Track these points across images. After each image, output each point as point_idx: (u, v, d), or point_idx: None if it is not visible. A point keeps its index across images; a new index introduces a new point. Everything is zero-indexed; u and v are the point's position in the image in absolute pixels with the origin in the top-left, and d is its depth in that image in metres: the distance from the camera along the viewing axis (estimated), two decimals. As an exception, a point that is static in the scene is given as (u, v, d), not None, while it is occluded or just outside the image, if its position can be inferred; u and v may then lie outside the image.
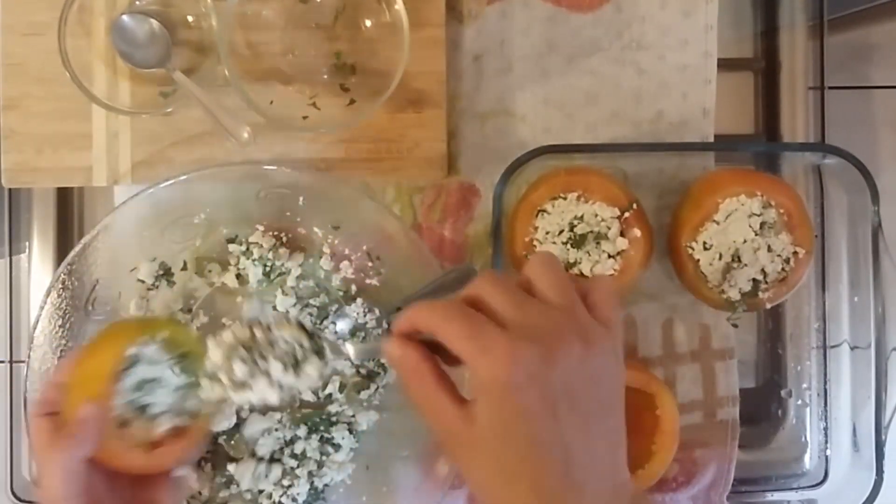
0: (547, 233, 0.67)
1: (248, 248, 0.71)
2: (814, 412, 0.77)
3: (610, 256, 0.67)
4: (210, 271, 0.71)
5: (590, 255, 0.67)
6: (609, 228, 0.67)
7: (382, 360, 0.71)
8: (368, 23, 0.71)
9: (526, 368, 0.43)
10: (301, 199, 0.71)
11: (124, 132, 0.72)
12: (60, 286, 0.68)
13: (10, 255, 0.75)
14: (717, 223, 0.67)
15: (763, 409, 0.77)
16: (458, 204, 0.74)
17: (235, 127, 0.68)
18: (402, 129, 0.72)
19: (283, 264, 0.71)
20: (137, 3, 0.71)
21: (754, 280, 0.67)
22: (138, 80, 0.71)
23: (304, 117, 0.70)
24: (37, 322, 0.68)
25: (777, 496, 0.76)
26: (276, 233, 0.71)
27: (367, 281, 0.72)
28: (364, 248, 0.71)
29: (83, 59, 0.70)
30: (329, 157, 0.72)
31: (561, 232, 0.67)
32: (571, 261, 0.67)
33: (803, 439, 0.77)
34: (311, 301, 0.71)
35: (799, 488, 0.76)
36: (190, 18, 0.71)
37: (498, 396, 0.43)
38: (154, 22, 0.69)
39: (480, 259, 0.74)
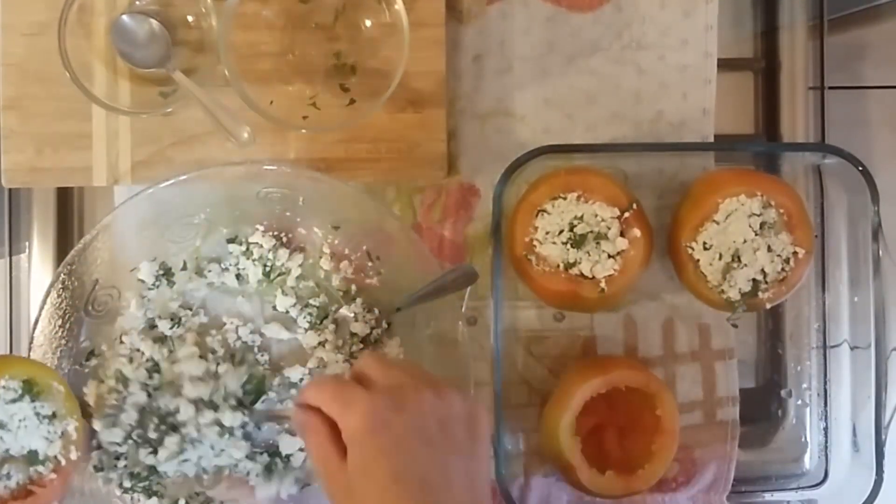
0: (547, 233, 0.67)
1: (248, 248, 0.71)
2: (814, 412, 0.77)
3: (610, 256, 0.67)
4: (210, 271, 0.71)
5: (590, 255, 0.67)
6: (609, 228, 0.67)
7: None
8: (368, 23, 0.71)
9: (381, 415, 0.51)
10: (301, 199, 0.71)
11: (124, 132, 0.72)
12: (60, 286, 0.68)
13: (10, 255, 0.75)
14: (717, 223, 0.67)
15: (763, 409, 0.77)
16: (457, 204, 0.74)
17: (235, 127, 0.68)
18: (402, 129, 0.72)
19: (283, 264, 0.71)
20: (137, 3, 0.71)
21: (754, 280, 0.67)
22: (138, 80, 0.71)
23: (304, 117, 0.70)
24: (37, 322, 0.68)
25: (777, 496, 0.76)
26: (276, 233, 0.71)
27: (367, 281, 0.72)
28: (364, 248, 0.71)
29: (83, 59, 0.70)
30: (329, 157, 0.72)
31: (561, 232, 0.67)
32: (571, 261, 0.67)
33: (803, 439, 0.77)
34: (311, 301, 0.71)
35: (799, 488, 0.76)
36: (190, 18, 0.71)
37: (359, 441, 0.51)
38: (154, 22, 0.69)
39: (480, 259, 0.74)
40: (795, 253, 0.67)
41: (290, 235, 0.72)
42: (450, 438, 0.53)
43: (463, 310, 0.68)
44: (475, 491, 0.53)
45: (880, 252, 0.69)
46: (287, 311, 0.71)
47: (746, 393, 0.75)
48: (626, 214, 0.67)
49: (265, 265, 0.70)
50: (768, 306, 0.68)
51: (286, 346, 0.72)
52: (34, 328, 0.68)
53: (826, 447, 0.76)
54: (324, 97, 0.71)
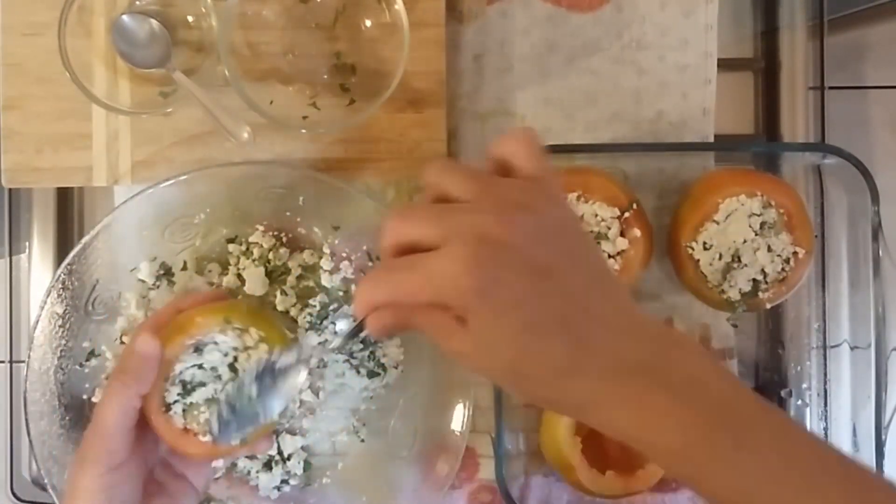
0: None
1: (248, 248, 0.71)
2: (814, 412, 0.77)
3: (610, 256, 0.67)
4: (210, 271, 0.71)
5: None
6: (609, 228, 0.67)
7: (384, 358, 0.71)
8: (368, 23, 0.71)
9: (484, 272, 0.41)
10: (301, 199, 0.71)
11: (124, 132, 0.72)
12: (60, 286, 0.68)
13: (10, 255, 0.75)
14: (717, 223, 0.67)
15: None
16: (458, 204, 0.74)
17: (235, 127, 0.68)
18: (402, 129, 0.72)
19: (283, 264, 0.71)
20: (137, 3, 0.71)
21: (754, 280, 0.67)
22: (138, 80, 0.71)
23: (304, 117, 0.70)
24: (37, 322, 0.68)
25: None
26: (276, 233, 0.71)
27: (367, 281, 0.72)
28: (364, 248, 0.71)
29: (83, 59, 0.70)
30: (329, 157, 0.72)
31: None
32: None
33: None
34: (311, 301, 0.71)
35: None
36: (190, 18, 0.71)
37: (473, 312, 0.42)
38: (154, 22, 0.69)
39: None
40: (795, 253, 0.67)
41: (290, 235, 0.72)
42: (565, 256, 0.43)
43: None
44: (614, 297, 0.44)
45: (880, 252, 0.69)
46: (287, 311, 0.71)
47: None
48: (626, 214, 0.67)
49: (265, 265, 0.70)
50: (768, 306, 0.68)
51: (286, 346, 0.72)
52: (34, 328, 0.68)
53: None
54: (324, 97, 0.71)
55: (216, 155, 0.72)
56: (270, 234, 0.71)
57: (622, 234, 0.67)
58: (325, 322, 0.71)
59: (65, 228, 0.75)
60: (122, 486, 0.57)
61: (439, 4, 0.72)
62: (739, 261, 0.67)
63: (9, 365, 0.74)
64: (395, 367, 0.72)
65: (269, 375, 0.54)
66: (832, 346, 0.76)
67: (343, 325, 0.70)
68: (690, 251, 0.68)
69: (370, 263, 0.71)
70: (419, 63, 0.71)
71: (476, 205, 0.44)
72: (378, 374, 0.71)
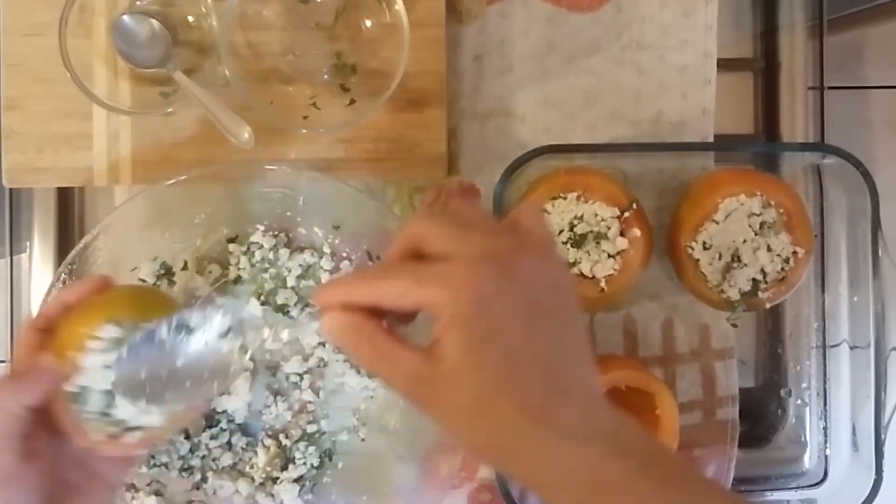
0: None
1: (248, 248, 0.71)
2: (813, 412, 0.77)
3: (610, 256, 0.67)
4: (210, 272, 0.71)
5: (590, 254, 0.67)
6: (609, 228, 0.67)
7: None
8: (368, 23, 0.71)
9: (488, 284, 0.41)
10: (301, 199, 0.71)
11: (125, 132, 0.72)
12: (61, 286, 0.68)
13: (11, 255, 0.75)
14: (717, 223, 0.67)
15: (763, 408, 0.77)
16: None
17: (235, 127, 0.68)
18: (402, 129, 0.72)
19: (283, 264, 0.71)
20: (138, 3, 0.71)
21: (754, 280, 0.67)
22: (138, 80, 0.71)
23: (304, 117, 0.71)
24: (37, 322, 0.68)
25: (777, 496, 0.76)
26: (276, 233, 0.71)
27: (368, 281, 0.72)
28: (364, 248, 0.72)
29: (84, 59, 0.70)
30: (329, 157, 0.72)
31: (561, 232, 0.67)
32: (571, 260, 0.67)
33: (803, 439, 0.77)
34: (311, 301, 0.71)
35: (798, 488, 0.76)
36: (190, 18, 0.71)
37: (463, 322, 0.41)
38: (154, 22, 0.69)
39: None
40: (795, 253, 0.67)
41: (290, 235, 0.72)
42: (559, 307, 0.43)
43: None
44: (588, 362, 0.44)
45: (879, 252, 0.69)
46: (288, 311, 0.71)
47: (746, 393, 0.75)
48: (626, 214, 0.67)
49: (265, 265, 0.71)
50: (768, 306, 0.68)
51: (287, 347, 0.72)
52: (35, 328, 0.68)
53: (826, 447, 0.76)
54: (324, 97, 0.71)
55: (217, 155, 0.72)
56: (270, 234, 0.71)
57: (622, 234, 0.67)
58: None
59: (65, 228, 0.75)
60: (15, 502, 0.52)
61: (439, 4, 0.72)
62: (739, 260, 0.67)
63: (9, 365, 0.74)
64: (396, 367, 0.72)
65: (181, 339, 0.49)
66: (832, 346, 0.76)
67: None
68: (690, 251, 0.68)
69: (370, 263, 0.71)
70: (419, 63, 0.71)
71: (495, 230, 0.44)
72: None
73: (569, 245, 0.66)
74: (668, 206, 0.73)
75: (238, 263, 0.71)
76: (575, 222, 0.67)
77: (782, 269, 0.67)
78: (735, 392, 0.75)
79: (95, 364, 0.52)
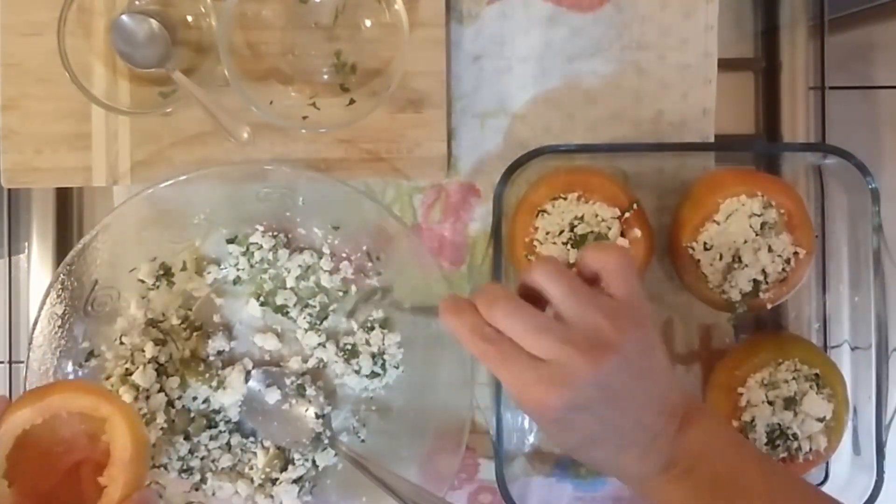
0: (547, 233, 0.67)
1: (247, 249, 0.71)
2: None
3: None
4: (210, 272, 0.71)
5: None
6: (609, 229, 0.67)
7: (384, 359, 0.71)
8: (368, 23, 0.71)
9: (608, 376, 0.51)
10: (301, 199, 0.71)
11: (124, 132, 0.72)
12: (60, 286, 0.68)
13: (10, 256, 0.75)
14: (718, 223, 0.67)
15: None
16: (458, 204, 0.74)
17: (235, 127, 0.68)
18: (402, 129, 0.72)
19: (282, 265, 0.71)
20: (137, 3, 0.71)
21: (755, 281, 0.67)
22: (138, 80, 0.71)
23: (304, 117, 0.70)
24: (36, 322, 0.68)
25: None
26: (276, 233, 0.71)
27: (367, 281, 0.72)
28: (364, 248, 0.71)
29: (83, 59, 0.70)
30: (329, 157, 0.72)
31: (561, 232, 0.67)
32: (572, 261, 0.67)
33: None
34: (311, 301, 0.71)
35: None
36: (190, 18, 0.71)
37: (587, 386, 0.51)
38: (154, 22, 0.69)
39: (481, 259, 0.74)
40: (796, 253, 0.67)
41: (290, 235, 0.72)
42: (643, 373, 0.53)
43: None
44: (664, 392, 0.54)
45: (881, 252, 0.68)
46: (287, 312, 0.71)
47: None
48: (627, 215, 0.67)
49: (265, 266, 0.71)
50: (769, 307, 0.68)
51: (286, 348, 0.72)
52: (33, 328, 0.68)
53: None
54: (324, 97, 0.71)
55: (216, 155, 0.72)
56: (270, 234, 0.71)
57: (622, 235, 0.67)
58: (325, 322, 0.71)
59: (64, 229, 0.75)
60: None
61: (439, 4, 0.72)
62: (740, 261, 0.67)
63: (8, 365, 0.74)
64: (396, 367, 0.72)
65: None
66: (833, 347, 0.75)
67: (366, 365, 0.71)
68: (691, 251, 0.68)
69: (370, 263, 0.71)
70: (419, 63, 0.71)
71: (604, 310, 0.52)
72: (378, 375, 0.71)
73: (569, 246, 0.66)
74: (669, 207, 0.73)
75: (237, 264, 0.71)
76: (575, 223, 0.67)
77: (783, 269, 0.67)
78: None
79: None
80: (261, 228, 0.71)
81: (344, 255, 0.72)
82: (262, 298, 0.71)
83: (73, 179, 0.72)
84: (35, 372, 0.68)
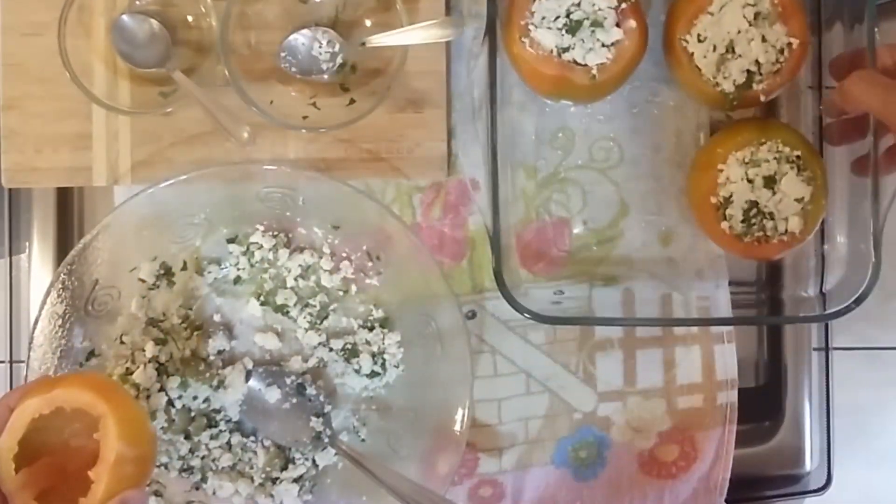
0: (543, 18, 0.66)
1: (248, 248, 0.71)
2: (814, 412, 0.77)
3: (604, 45, 0.66)
4: (210, 272, 0.71)
5: (584, 42, 0.65)
6: (605, 18, 0.65)
7: (384, 358, 0.71)
8: (368, 23, 0.71)
9: None
10: (301, 199, 0.71)
11: (124, 132, 0.72)
12: (60, 286, 0.68)
13: (10, 255, 0.75)
14: (712, 14, 0.66)
15: (763, 408, 0.77)
16: (458, 200, 0.74)
17: (235, 127, 0.68)
18: (402, 129, 0.72)
19: (282, 264, 0.71)
20: (137, 2, 0.71)
21: (748, 72, 0.66)
22: (138, 80, 0.71)
23: (304, 117, 0.70)
24: (37, 322, 0.68)
25: (776, 496, 0.76)
26: (276, 233, 0.71)
27: (367, 281, 0.72)
28: (364, 248, 0.71)
29: (83, 59, 0.70)
30: (329, 157, 0.72)
31: (557, 18, 0.65)
32: (565, 46, 0.66)
33: (803, 439, 0.77)
34: (311, 301, 0.71)
35: (799, 491, 0.76)
36: (190, 18, 0.71)
37: None
38: (154, 22, 0.69)
39: (481, 255, 0.73)
40: (790, 44, 0.66)
41: (290, 235, 0.72)
42: None
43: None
44: None
45: (874, 44, 0.65)
46: (287, 311, 0.71)
47: (746, 393, 0.75)
48: (624, 6, 0.66)
49: (265, 265, 0.71)
50: (763, 99, 0.67)
51: (286, 348, 0.72)
52: (34, 328, 0.68)
53: (828, 448, 0.76)
54: (324, 97, 0.71)
55: (216, 155, 0.72)
56: (270, 234, 0.71)
57: (618, 25, 0.66)
58: (325, 322, 0.71)
59: (65, 228, 0.75)
60: None
61: (439, 4, 0.72)
62: (734, 52, 0.66)
63: (9, 365, 0.74)
64: (396, 367, 0.72)
65: None
66: (834, 348, 0.76)
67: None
68: (685, 44, 0.67)
69: (370, 263, 0.71)
70: (419, 63, 0.71)
71: None
72: (378, 374, 0.71)
73: (563, 31, 0.65)
74: (664, 3, 0.72)
75: (237, 264, 0.71)
76: (572, 9, 0.65)
77: (777, 60, 0.67)
78: (734, 376, 0.74)
79: None
80: (261, 228, 0.71)
81: (344, 254, 0.72)
82: (262, 298, 0.71)
83: (73, 179, 0.72)
84: (36, 371, 0.68)
